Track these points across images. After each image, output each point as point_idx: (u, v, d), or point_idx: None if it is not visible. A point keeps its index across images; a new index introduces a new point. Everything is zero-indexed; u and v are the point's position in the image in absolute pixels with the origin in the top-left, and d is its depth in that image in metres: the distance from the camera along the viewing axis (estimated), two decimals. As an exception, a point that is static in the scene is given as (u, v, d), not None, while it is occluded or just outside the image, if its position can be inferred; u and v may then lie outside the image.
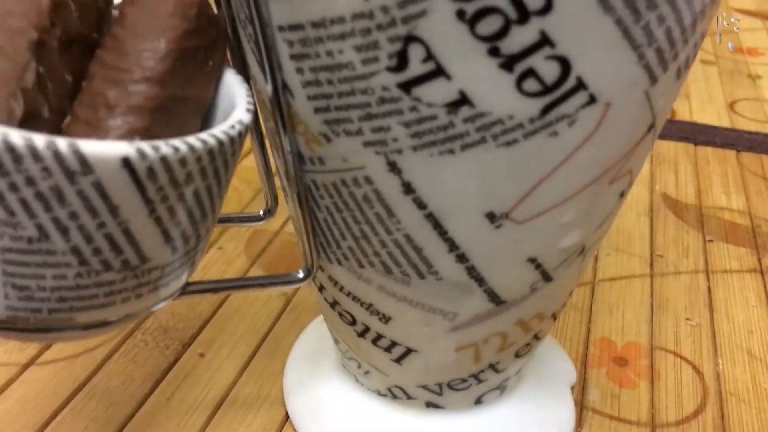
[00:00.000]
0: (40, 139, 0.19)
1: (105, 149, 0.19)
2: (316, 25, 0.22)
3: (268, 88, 0.25)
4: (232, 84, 0.26)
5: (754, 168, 0.62)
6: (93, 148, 0.19)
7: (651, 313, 0.45)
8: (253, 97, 0.27)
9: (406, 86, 0.22)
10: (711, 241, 0.51)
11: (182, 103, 0.25)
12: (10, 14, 0.22)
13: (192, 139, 0.21)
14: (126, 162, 0.20)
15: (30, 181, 0.19)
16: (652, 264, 0.49)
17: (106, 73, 0.24)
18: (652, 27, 0.21)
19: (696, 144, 0.65)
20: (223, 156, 0.23)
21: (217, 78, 0.26)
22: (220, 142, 0.22)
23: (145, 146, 0.20)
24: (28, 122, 0.22)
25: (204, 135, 0.22)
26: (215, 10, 0.27)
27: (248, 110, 0.24)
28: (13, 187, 0.19)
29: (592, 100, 0.22)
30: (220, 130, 0.23)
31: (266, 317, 0.43)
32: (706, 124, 0.69)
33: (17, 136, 0.18)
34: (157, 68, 0.23)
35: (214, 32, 0.26)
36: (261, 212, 0.32)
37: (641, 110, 0.24)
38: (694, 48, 0.24)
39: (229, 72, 0.27)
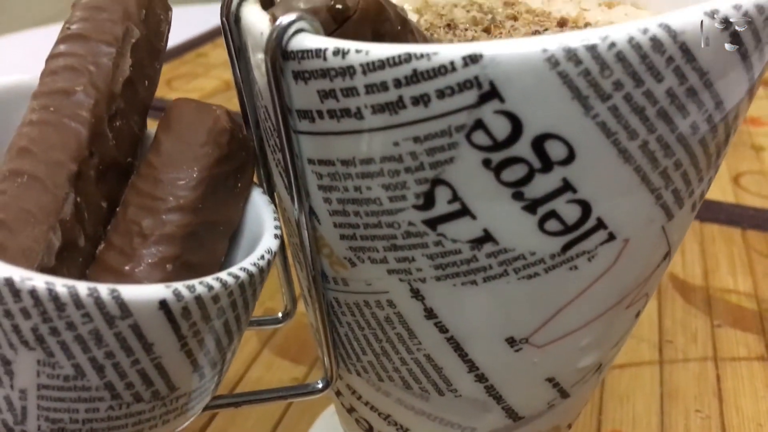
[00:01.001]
0: (82, 288, 0.19)
1: (144, 294, 0.20)
2: (345, 162, 0.23)
3: (295, 213, 0.25)
4: (258, 203, 0.27)
5: (760, 248, 0.62)
6: (132, 293, 0.20)
7: (661, 404, 0.45)
8: (278, 213, 0.28)
9: (432, 223, 0.23)
10: (719, 326, 0.52)
11: (212, 227, 0.25)
12: (52, 146, 0.23)
13: (225, 276, 0.22)
14: (163, 304, 0.20)
15: (71, 326, 0.20)
16: (661, 350, 0.49)
17: (140, 201, 0.24)
18: (669, 172, 0.22)
19: (702, 221, 0.66)
20: (253, 287, 0.23)
21: (245, 198, 0.27)
22: (251, 275, 0.23)
23: (181, 288, 0.21)
24: (65, 252, 0.23)
25: (236, 270, 0.23)
26: (244, 130, 0.28)
27: (276, 236, 0.25)
28: (54, 332, 0.20)
29: (611, 237, 0.23)
30: (250, 262, 0.23)
31: (277, 406, 0.43)
32: (712, 200, 0.70)
33: (61, 286, 0.19)
34: (190, 197, 0.24)
35: (243, 156, 0.26)
36: (280, 314, 0.33)
37: (658, 243, 0.25)
38: (709, 182, 0.25)
39: (256, 190, 0.28)
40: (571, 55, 0.19)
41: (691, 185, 0.23)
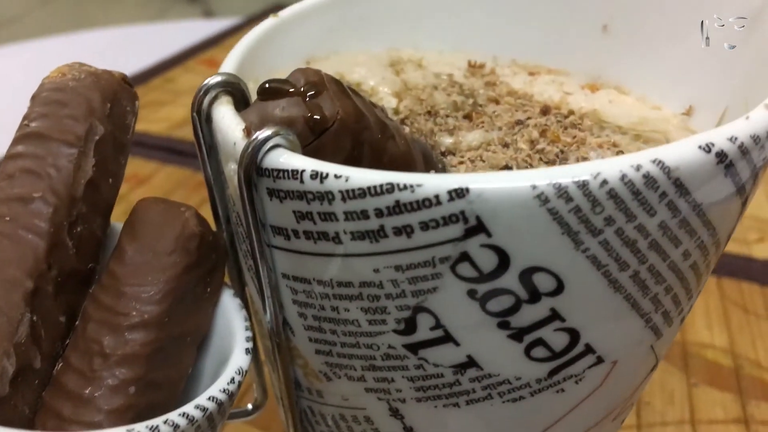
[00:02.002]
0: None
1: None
2: (322, 283, 0.22)
3: (267, 323, 0.24)
4: (229, 307, 0.26)
5: (735, 297, 0.62)
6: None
7: (640, 472, 0.44)
8: (250, 313, 0.26)
9: (413, 347, 0.22)
10: (696, 385, 0.51)
11: (180, 339, 0.24)
12: (7, 262, 0.22)
13: (191, 410, 0.21)
14: (125, 451, 0.19)
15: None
16: (639, 413, 0.49)
17: (101, 315, 0.23)
18: (660, 297, 0.21)
19: (676, 268, 0.66)
20: (222, 413, 0.22)
21: (215, 302, 0.26)
22: (220, 404, 0.22)
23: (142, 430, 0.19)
24: (20, 377, 0.21)
25: (203, 401, 0.21)
26: (215, 227, 0.26)
27: (247, 351, 0.24)
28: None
29: (600, 360, 0.22)
30: (218, 388, 0.22)
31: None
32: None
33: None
34: (155, 311, 0.23)
35: (214, 258, 0.25)
36: (250, 406, 0.31)
37: (646, 359, 0.24)
38: (698, 295, 0.24)
39: (226, 292, 0.26)
40: (562, 192, 0.18)
41: (680, 305, 0.23)
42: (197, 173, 0.73)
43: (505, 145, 0.28)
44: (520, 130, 0.28)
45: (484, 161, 0.26)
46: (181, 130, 0.87)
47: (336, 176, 0.20)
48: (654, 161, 0.19)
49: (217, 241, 0.25)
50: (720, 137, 0.19)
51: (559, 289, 0.20)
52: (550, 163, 0.26)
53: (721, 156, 0.19)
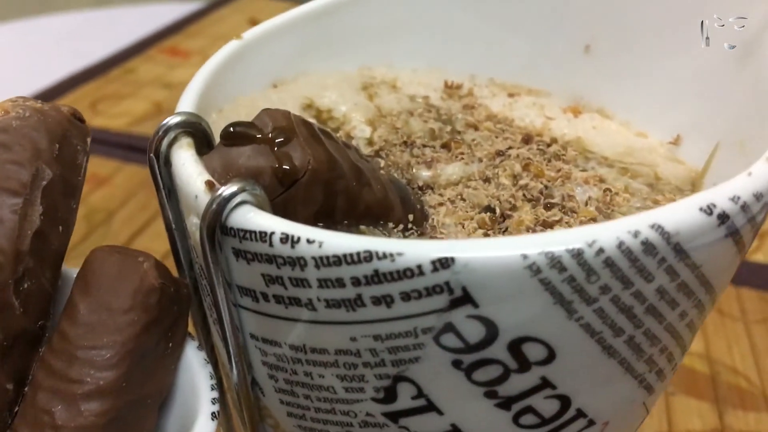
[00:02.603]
0: None
1: None
2: (294, 348, 0.20)
3: (234, 383, 0.22)
4: (192, 363, 0.24)
5: (708, 300, 0.62)
6: None
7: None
8: (216, 367, 0.25)
9: (393, 416, 0.20)
10: (673, 394, 0.51)
11: (139, 403, 0.22)
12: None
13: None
14: None
15: None
16: (616, 425, 0.48)
17: (52, 383, 0.21)
18: (654, 357, 0.20)
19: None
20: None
21: (178, 357, 0.24)
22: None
23: None
24: (-39, 457, 0.19)
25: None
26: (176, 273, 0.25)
27: (213, 415, 0.22)
28: None
29: (591, 423, 0.21)
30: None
31: None
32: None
33: None
34: (111, 377, 0.21)
35: (176, 311, 0.23)
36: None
37: (638, 415, 0.23)
38: (689, 344, 0.23)
39: (190, 345, 0.24)
40: (555, 262, 0.17)
41: (674, 361, 0.21)
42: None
43: (486, 180, 0.26)
44: (502, 162, 0.27)
45: (464, 200, 0.25)
46: (142, 126, 0.83)
47: (308, 241, 0.18)
48: (653, 226, 0.17)
49: (179, 292, 0.23)
50: (722, 197, 0.18)
51: (551, 357, 0.19)
52: (534, 200, 0.25)
53: (723, 217, 0.18)
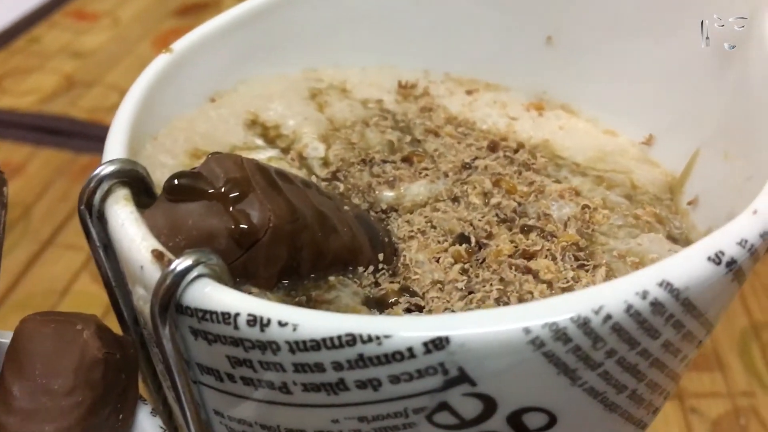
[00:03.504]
0: None
1: None
2: (267, 428, 0.18)
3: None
4: (145, 429, 0.22)
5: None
6: None
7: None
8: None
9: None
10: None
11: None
12: None
13: None
14: None
15: None
16: None
17: (-9, 484, 0.18)
18: (654, 401, 0.19)
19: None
20: None
21: (130, 424, 0.22)
22: None
23: None
24: None
25: None
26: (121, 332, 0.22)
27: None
28: None
29: (588, 470, 0.20)
30: None
31: None
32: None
33: None
34: (58, 472, 0.19)
35: (124, 379, 0.21)
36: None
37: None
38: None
39: (143, 411, 0.22)
40: (560, 334, 0.15)
41: (669, 395, 0.20)
42: (80, 156, 0.65)
43: (455, 200, 0.24)
44: (470, 177, 0.25)
45: (435, 227, 0.23)
46: (54, 104, 0.76)
47: (280, 323, 0.16)
48: (661, 284, 0.16)
49: (126, 356, 0.21)
50: (729, 243, 0.17)
51: (551, 423, 0.17)
52: (509, 221, 0.23)
53: (732, 264, 0.17)
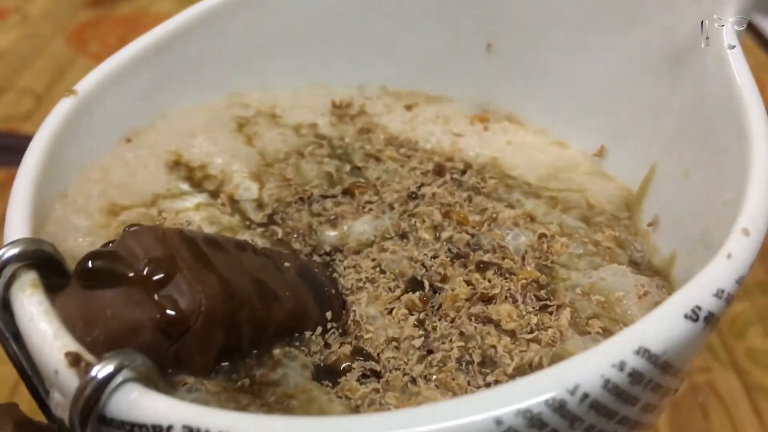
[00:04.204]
0: None
1: None
2: None
3: None
4: None
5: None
6: None
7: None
8: None
9: None
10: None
11: None
12: None
13: None
14: None
15: None
16: None
17: None
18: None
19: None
20: None
21: None
22: None
23: None
24: None
25: None
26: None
27: None
28: None
29: None
30: None
31: None
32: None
33: None
34: None
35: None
36: None
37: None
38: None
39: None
40: (534, 420, 0.14)
41: (644, 437, 0.19)
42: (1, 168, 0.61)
43: (404, 236, 0.22)
44: (417, 208, 0.23)
45: (384, 271, 0.21)
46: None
47: (221, 434, 0.14)
48: (638, 352, 0.14)
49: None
50: (706, 296, 0.15)
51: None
52: (462, 257, 0.21)
53: (709, 317, 0.15)
